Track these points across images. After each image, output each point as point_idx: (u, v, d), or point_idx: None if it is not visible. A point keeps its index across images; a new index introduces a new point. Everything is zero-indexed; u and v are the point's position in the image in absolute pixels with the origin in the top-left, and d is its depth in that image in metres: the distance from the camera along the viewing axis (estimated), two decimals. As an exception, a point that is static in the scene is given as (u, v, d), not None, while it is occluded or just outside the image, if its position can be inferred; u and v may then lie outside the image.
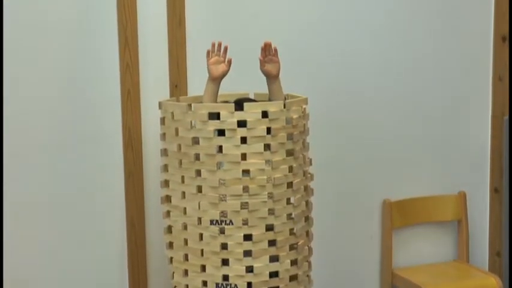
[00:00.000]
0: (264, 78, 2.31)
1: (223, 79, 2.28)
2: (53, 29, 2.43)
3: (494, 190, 3.11)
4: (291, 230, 2.22)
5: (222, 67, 2.25)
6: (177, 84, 2.58)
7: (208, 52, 2.25)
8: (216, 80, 2.26)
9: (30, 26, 2.41)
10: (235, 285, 2.17)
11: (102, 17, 2.48)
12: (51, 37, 2.43)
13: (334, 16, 2.78)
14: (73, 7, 2.45)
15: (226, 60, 2.25)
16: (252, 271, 2.16)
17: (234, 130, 2.11)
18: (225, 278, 2.17)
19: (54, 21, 2.43)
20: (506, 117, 3.04)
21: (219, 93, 2.31)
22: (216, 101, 2.28)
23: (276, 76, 2.29)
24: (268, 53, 2.26)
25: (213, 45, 2.24)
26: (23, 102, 2.42)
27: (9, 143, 2.41)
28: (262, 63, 2.26)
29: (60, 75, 2.46)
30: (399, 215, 2.94)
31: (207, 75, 2.28)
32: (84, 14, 2.46)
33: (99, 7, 2.47)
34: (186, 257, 2.23)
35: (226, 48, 2.24)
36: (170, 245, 2.30)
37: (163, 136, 2.30)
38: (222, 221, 2.15)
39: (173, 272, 2.31)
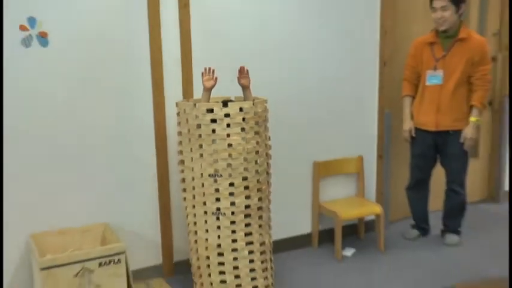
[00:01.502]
0: (241, 88, 2.35)
1: (214, 89, 2.31)
2: (103, 60, 2.38)
3: (379, 156, 3.25)
4: (258, 180, 2.29)
5: (211, 82, 2.30)
6: (187, 91, 2.54)
7: (202, 73, 2.31)
8: (208, 91, 2.33)
9: (89, 57, 2.33)
10: (224, 213, 2.23)
11: (138, 51, 2.41)
12: (103, 67, 2.39)
13: (273, 47, 2.75)
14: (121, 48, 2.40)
15: (214, 78, 2.29)
16: (234, 204, 2.23)
17: (222, 119, 2.16)
18: (218, 209, 2.24)
19: (104, 54, 2.37)
20: (387, 111, 3.18)
21: (213, 96, 2.36)
22: (209, 102, 2.30)
23: (248, 86, 2.36)
24: (242, 72, 2.32)
25: (205, 69, 2.32)
26: (89, 114, 2.37)
27: (71, 141, 2.36)
28: (239, 79, 2.34)
29: (113, 95, 2.41)
30: (323, 170, 3.03)
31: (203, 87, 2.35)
32: (125, 51, 2.41)
33: (137, 51, 2.42)
34: (193, 197, 2.29)
35: (213, 71, 2.31)
36: (184, 189, 2.36)
37: (179, 124, 2.34)
38: (215, 175, 2.20)
39: (186, 206, 2.37)
